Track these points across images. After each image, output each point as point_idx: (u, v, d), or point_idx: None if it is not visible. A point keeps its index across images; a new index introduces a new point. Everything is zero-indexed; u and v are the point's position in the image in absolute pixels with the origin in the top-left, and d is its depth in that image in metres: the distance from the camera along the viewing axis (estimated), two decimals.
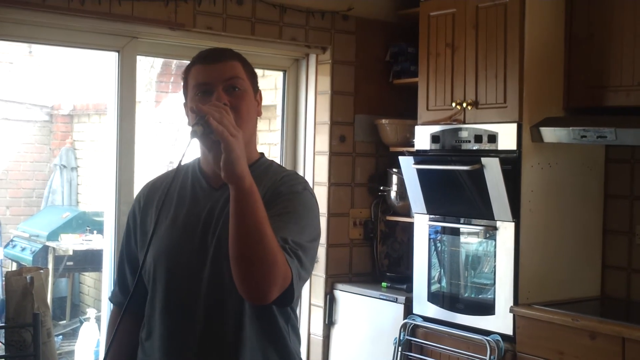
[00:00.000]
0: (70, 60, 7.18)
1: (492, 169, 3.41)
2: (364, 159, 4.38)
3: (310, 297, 4.29)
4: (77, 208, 7.33)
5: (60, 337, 6.32)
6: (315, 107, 4.30)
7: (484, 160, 3.44)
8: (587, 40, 3.46)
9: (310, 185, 2.27)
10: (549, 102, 3.50)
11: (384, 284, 4.15)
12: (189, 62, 1.94)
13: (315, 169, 4.31)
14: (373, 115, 4.34)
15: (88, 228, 6.53)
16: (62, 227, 6.61)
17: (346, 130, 4.31)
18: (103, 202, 4.76)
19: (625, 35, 3.32)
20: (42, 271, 3.46)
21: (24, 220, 7.26)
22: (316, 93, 4.30)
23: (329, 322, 4.25)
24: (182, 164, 1.77)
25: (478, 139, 3.55)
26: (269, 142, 5.31)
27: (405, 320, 3.83)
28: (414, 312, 3.82)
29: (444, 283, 3.75)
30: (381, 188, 4.32)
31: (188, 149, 1.67)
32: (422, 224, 3.83)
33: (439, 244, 3.80)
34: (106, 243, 3.92)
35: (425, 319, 3.77)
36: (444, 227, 3.76)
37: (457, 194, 3.64)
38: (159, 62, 6.74)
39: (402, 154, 3.97)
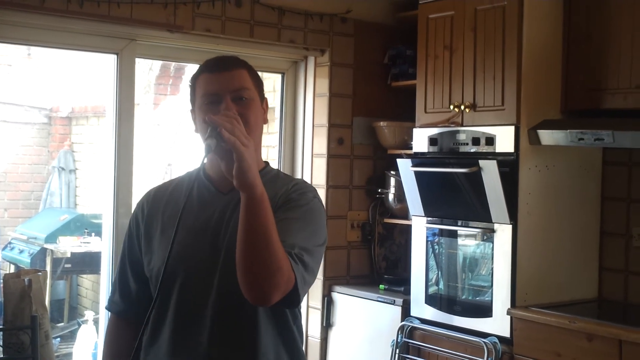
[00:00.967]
0: (68, 63, 7.17)
1: (490, 172, 3.41)
2: (362, 162, 4.38)
3: (308, 299, 4.28)
4: (75, 210, 7.32)
5: (58, 339, 6.30)
6: (313, 110, 4.31)
7: (481, 162, 3.44)
8: (585, 43, 3.46)
9: None
10: (547, 104, 3.50)
11: (381, 286, 4.15)
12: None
13: (313, 171, 4.31)
14: (371, 118, 4.34)
15: (86, 230, 6.52)
16: (60, 230, 6.60)
17: (344, 133, 4.31)
18: (101, 204, 4.75)
19: (623, 38, 3.33)
20: (40, 273, 3.46)
21: (22, 222, 7.25)
22: (314, 95, 4.30)
23: (327, 325, 4.25)
24: (184, 173, 1.80)
25: (476, 141, 3.56)
26: (267, 144, 5.30)
27: (403, 323, 3.83)
28: (412, 314, 3.82)
29: (441, 285, 3.75)
30: (379, 190, 4.32)
31: (204, 160, 1.78)
32: (419, 227, 3.83)
33: (436, 247, 3.80)
34: (104, 245, 3.93)
35: (423, 321, 3.76)
36: (441, 230, 3.76)
37: (454, 197, 3.64)
38: (157, 64, 6.73)
39: (400, 156, 3.98)
